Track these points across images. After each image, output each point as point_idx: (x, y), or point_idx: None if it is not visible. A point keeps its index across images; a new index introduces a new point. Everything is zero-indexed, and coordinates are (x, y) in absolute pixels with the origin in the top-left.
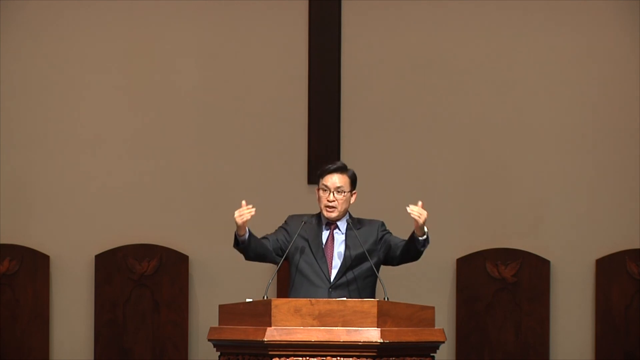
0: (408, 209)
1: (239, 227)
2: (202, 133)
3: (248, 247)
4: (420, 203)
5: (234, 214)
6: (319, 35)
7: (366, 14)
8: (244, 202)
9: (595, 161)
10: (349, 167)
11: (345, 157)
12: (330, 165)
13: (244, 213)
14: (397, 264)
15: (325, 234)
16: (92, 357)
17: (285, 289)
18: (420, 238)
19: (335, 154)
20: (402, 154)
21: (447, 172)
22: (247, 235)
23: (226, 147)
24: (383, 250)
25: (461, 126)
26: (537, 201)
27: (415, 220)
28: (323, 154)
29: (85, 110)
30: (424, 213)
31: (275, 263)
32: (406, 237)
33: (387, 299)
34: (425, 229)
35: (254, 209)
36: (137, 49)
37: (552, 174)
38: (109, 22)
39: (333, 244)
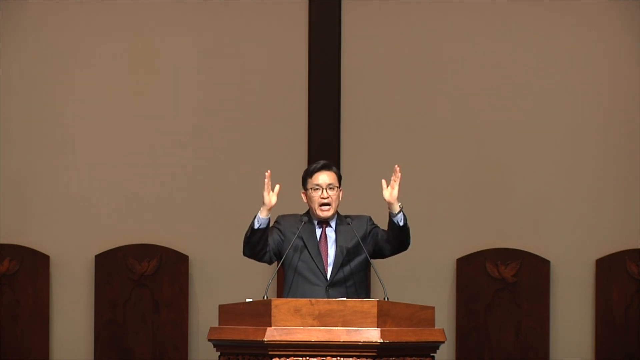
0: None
1: (264, 205)
2: (202, 133)
3: (263, 234)
4: (396, 166)
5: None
6: (319, 35)
7: (366, 14)
8: (268, 172)
9: (595, 161)
10: (332, 164)
11: (345, 157)
12: (315, 165)
13: (269, 191)
14: (389, 254)
15: (318, 233)
16: (92, 357)
17: None
18: (395, 214)
19: (335, 154)
20: (402, 153)
21: (447, 172)
22: (268, 221)
23: (226, 147)
24: (372, 244)
25: (461, 126)
26: (537, 201)
27: (389, 193)
28: (323, 154)
29: (85, 110)
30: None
31: (270, 263)
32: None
33: (387, 299)
34: (399, 205)
35: (277, 187)
36: (137, 49)
37: (552, 174)
38: (109, 22)
39: (327, 241)
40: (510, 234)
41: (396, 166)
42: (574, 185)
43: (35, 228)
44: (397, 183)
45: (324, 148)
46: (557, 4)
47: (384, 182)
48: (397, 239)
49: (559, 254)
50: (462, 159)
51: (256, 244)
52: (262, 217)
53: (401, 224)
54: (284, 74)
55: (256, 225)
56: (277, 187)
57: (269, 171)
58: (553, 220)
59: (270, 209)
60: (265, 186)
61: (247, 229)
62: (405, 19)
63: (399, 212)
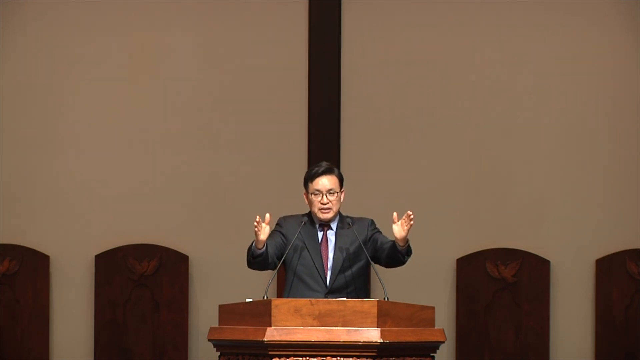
0: (400, 217)
1: (258, 241)
2: (202, 133)
3: (263, 259)
4: (409, 212)
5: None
6: (319, 35)
7: (366, 15)
8: (257, 218)
9: (595, 161)
10: (334, 167)
11: (345, 157)
12: (317, 169)
13: (261, 230)
14: (384, 266)
15: (319, 236)
16: (92, 357)
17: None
18: (401, 248)
19: (335, 154)
20: (402, 154)
21: (447, 172)
22: (265, 248)
23: (226, 147)
24: (371, 250)
25: (461, 126)
26: (537, 201)
27: (399, 231)
28: (323, 153)
29: (85, 110)
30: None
31: (274, 269)
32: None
33: (387, 299)
34: (407, 240)
35: (267, 218)
36: (137, 50)
37: (552, 174)
38: (109, 22)
39: (327, 245)
40: (510, 234)
41: (409, 212)
42: (574, 185)
43: (35, 228)
44: (408, 226)
45: (324, 148)
46: (558, 4)
47: (395, 215)
48: (396, 261)
49: (559, 254)
50: (462, 159)
51: (259, 267)
52: (258, 249)
53: (404, 259)
54: (284, 73)
55: (253, 258)
56: (267, 216)
57: (258, 217)
58: (553, 220)
59: (264, 241)
60: (257, 231)
61: (248, 243)
62: (405, 19)
63: (405, 248)
